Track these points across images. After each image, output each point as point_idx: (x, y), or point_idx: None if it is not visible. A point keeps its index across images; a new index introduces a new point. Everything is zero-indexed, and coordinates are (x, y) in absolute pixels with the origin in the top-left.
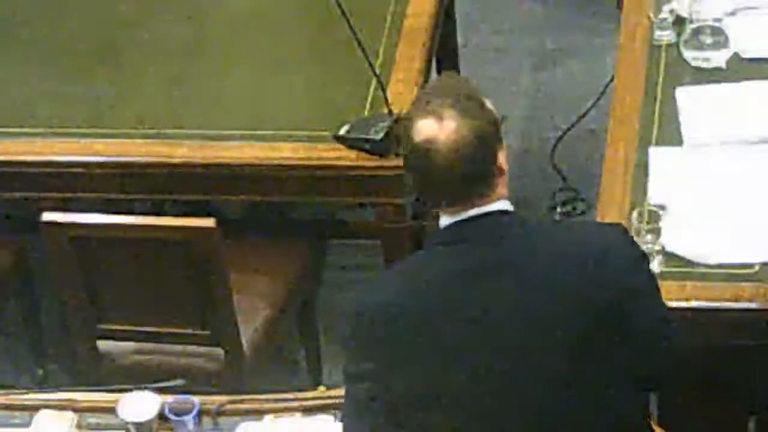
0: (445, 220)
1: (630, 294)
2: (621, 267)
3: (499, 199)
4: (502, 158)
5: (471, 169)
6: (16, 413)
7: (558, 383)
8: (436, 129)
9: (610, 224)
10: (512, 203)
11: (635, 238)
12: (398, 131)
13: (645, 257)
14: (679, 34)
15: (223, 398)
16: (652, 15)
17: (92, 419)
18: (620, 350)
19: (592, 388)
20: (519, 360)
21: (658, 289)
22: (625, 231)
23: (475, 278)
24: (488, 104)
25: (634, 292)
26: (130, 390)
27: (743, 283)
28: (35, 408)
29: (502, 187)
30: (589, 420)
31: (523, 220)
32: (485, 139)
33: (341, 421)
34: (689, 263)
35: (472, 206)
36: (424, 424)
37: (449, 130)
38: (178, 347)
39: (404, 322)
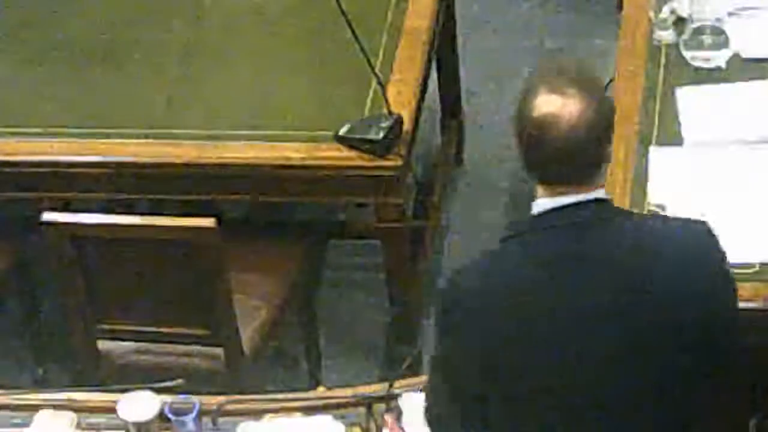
0: (544, 203)
1: (718, 311)
2: (714, 277)
3: (600, 186)
4: (611, 146)
5: (587, 147)
6: (16, 413)
7: (645, 385)
8: (559, 105)
9: (696, 222)
10: (513, 203)
11: None
12: (520, 106)
13: (725, 259)
14: (679, 34)
15: (223, 398)
16: (652, 15)
17: (92, 419)
18: (703, 355)
19: (671, 391)
20: (611, 355)
21: (737, 298)
22: (711, 232)
23: (578, 265)
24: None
25: (723, 310)
26: (130, 390)
27: (743, 283)
28: (35, 408)
29: (604, 175)
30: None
31: (620, 209)
32: (603, 122)
33: (428, 409)
34: None
35: (577, 190)
36: (516, 409)
37: (573, 106)
38: (178, 347)
39: (519, 304)
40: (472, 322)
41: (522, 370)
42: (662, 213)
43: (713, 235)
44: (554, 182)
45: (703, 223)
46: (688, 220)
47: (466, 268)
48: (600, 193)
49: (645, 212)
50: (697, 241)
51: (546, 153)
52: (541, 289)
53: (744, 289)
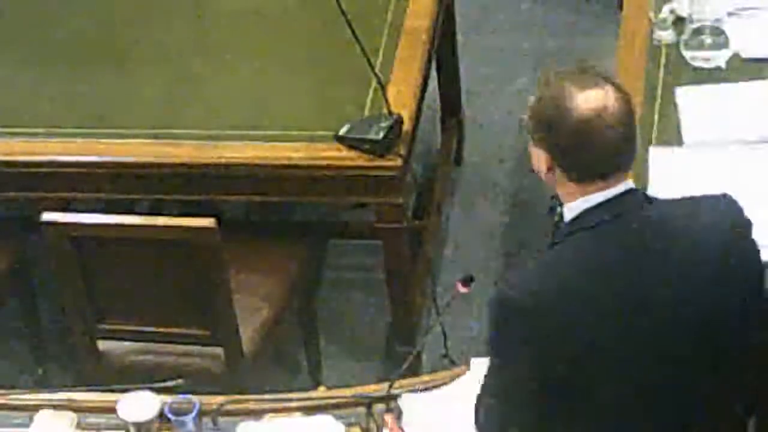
0: (578, 205)
1: (754, 269)
2: (752, 245)
3: (628, 177)
4: None
5: (631, 136)
6: (16, 413)
7: (700, 364)
8: (602, 98)
9: (719, 196)
10: (512, 203)
11: None
12: (540, 105)
13: (750, 224)
14: (679, 34)
15: (223, 398)
16: (652, 15)
17: (92, 419)
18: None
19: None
20: (677, 341)
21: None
22: (733, 200)
23: (633, 259)
24: None
25: (756, 266)
26: (130, 390)
27: None
28: (35, 408)
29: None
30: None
31: (648, 197)
32: (633, 109)
33: (496, 415)
34: None
35: (608, 185)
36: (594, 404)
37: (614, 100)
38: (178, 347)
39: (579, 307)
40: (543, 329)
41: (602, 362)
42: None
43: (740, 206)
44: (596, 179)
45: (725, 195)
46: (713, 197)
47: (519, 280)
48: (630, 184)
49: None
50: (731, 216)
51: (596, 149)
52: (600, 288)
53: None
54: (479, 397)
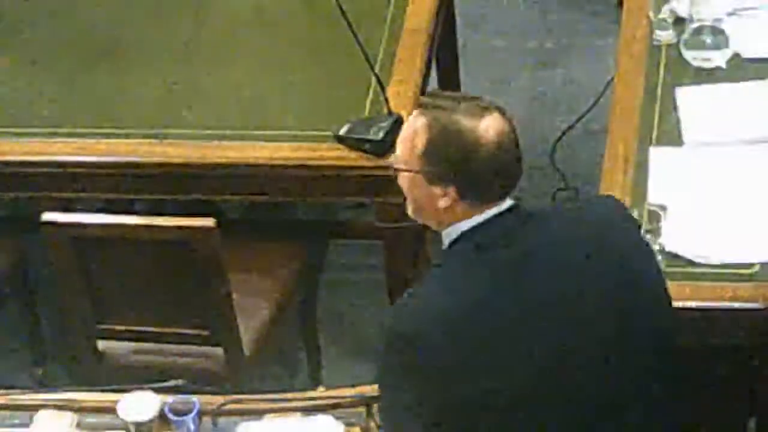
0: (460, 226)
1: (636, 254)
2: (626, 235)
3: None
4: None
5: (519, 157)
6: (16, 413)
7: (607, 361)
8: (499, 123)
9: (603, 197)
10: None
11: None
12: (437, 141)
13: (635, 220)
14: (679, 34)
15: (223, 398)
16: (652, 15)
17: (92, 419)
18: (640, 309)
19: (632, 361)
20: (571, 345)
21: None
22: (617, 200)
23: (515, 271)
24: None
25: (639, 252)
26: (130, 390)
27: (743, 283)
28: (35, 408)
29: None
30: (632, 394)
31: (531, 209)
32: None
33: None
34: (689, 263)
35: (494, 205)
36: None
37: (503, 124)
38: (178, 347)
39: (472, 328)
40: (431, 357)
41: (504, 380)
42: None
43: (624, 206)
44: (497, 199)
45: (610, 196)
46: (596, 197)
47: (400, 311)
48: (510, 201)
49: (645, 212)
50: (613, 214)
51: (504, 171)
52: (489, 303)
53: (744, 289)
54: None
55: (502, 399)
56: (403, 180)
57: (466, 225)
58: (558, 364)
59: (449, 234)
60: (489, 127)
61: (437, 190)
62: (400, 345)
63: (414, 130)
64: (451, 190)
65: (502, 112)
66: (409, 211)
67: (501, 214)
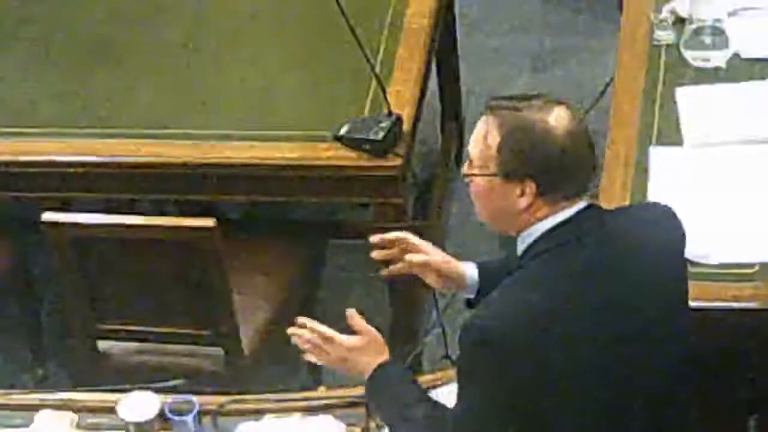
0: (542, 226)
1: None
2: (682, 246)
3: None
4: None
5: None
6: (16, 413)
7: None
8: (569, 118)
9: (659, 203)
10: None
11: None
12: (511, 137)
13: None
14: (679, 34)
15: (223, 398)
16: (652, 15)
17: (92, 419)
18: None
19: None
20: (641, 346)
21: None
22: (671, 210)
23: (592, 274)
24: None
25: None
26: (130, 390)
27: (743, 283)
28: (35, 408)
29: None
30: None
31: (604, 209)
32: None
33: None
34: (689, 263)
35: (573, 203)
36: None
37: (572, 116)
38: (178, 347)
39: (558, 330)
40: (506, 362)
41: (565, 386)
42: None
43: (675, 214)
44: (570, 193)
45: (662, 203)
46: (651, 203)
47: (486, 309)
48: (586, 201)
49: None
50: (670, 222)
51: (581, 166)
52: (569, 307)
53: (744, 289)
54: (442, 422)
55: (579, 396)
56: (478, 186)
57: (544, 226)
58: (629, 371)
59: (526, 238)
60: (559, 118)
61: (515, 188)
62: (487, 347)
63: (486, 130)
64: (530, 187)
65: (569, 106)
66: (483, 217)
67: (578, 213)
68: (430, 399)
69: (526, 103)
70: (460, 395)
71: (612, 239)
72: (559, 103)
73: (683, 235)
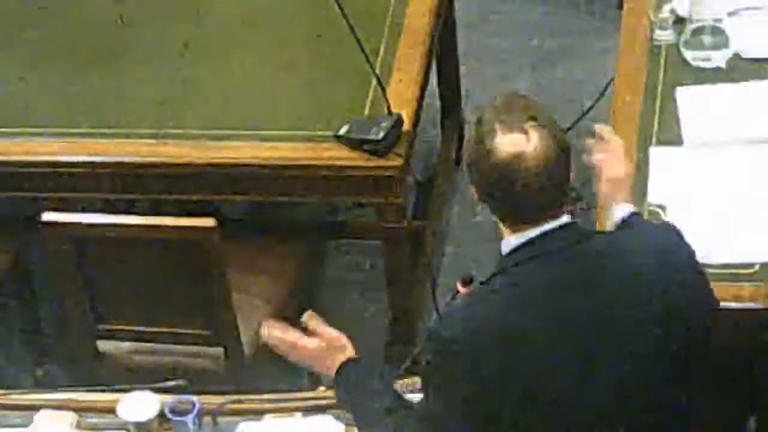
0: (510, 241)
1: (689, 289)
2: (681, 268)
3: (564, 213)
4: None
5: (555, 182)
6: (16, 413)
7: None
8: (523, 143)
9: (662, 225)
10: None
11: None
12: (470, 150)
13: (694, 253)
14: (679, 34)
15: (223, 398)
16: (652, 15)
17: (92, 419)
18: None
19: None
20: (614, 369)
21: (707, 281)
22: (676, 230)
23: (561, 292)
24: None
25: (691, 288)
26: (130, 390)
27: (743, 283)
28: (35, 408)
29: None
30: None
31: (587, 230)
32: (566, 154)
33: None
34: None
35: (544, 222)
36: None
37: (537, 144)
38: (178, 347)
39: (521, 343)
40: (467, 371)
41: (531, 401)
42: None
43: (680, 233)
44: (520, 223)
45: (667, 223)
46: (653, 224)
47: (449, 318)
48: (566, 218)
49: (645, 212)
50: (668, 241)
51: (517, 193)
52: (532, 323)
53: (744, 289)
54: (403, 417)
55: (546, 405)
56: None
57: (510, 243)
58: (596, 388)
59: (505, 244)
60: (509, 142)
61: (474, 191)
62: (449, 352)
63: (467, 137)
64: (491, 208)
65: (546, 132)
66: None
67: (552, 231)
68: (394, 392)
69: (510, 113)
70: (424, 398)
71: (588, 256)
72: (536, 127)
73: (689, 255)
